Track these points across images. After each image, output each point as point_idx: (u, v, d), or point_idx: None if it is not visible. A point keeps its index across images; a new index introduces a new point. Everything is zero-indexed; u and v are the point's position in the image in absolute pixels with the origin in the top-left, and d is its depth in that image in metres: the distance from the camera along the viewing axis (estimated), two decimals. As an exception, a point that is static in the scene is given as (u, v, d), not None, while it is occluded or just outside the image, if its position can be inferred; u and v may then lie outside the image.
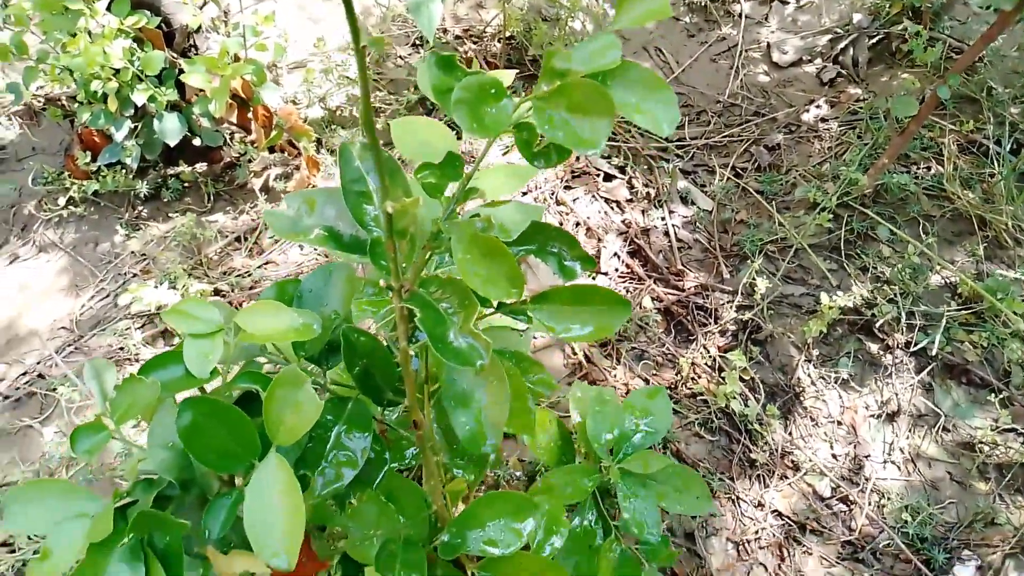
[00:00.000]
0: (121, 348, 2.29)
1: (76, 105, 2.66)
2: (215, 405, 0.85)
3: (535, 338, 2.20)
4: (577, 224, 2.57)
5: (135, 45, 2.22)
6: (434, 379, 1.16)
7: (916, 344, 2.20)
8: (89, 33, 2.21)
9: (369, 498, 1.16)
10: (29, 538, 1.95)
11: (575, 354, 2.24)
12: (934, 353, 2.17)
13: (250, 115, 2.43)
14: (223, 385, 0.95)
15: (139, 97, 2.23)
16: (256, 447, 0.87)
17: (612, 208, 2.63)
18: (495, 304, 0.95)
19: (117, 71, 2.20)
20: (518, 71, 2.96)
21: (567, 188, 2.67)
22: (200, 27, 2.36)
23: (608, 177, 2.72)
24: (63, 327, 2.39)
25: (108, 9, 2.21)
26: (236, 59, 2.30)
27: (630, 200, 2.65)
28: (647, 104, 0.92)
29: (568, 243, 0.93)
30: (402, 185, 0.92)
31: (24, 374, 2.30)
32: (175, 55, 2.32)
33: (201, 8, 2.31)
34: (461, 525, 1.17)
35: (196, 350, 0.93)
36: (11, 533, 1.96)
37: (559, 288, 0.91)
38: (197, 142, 2.52)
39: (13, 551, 1.95)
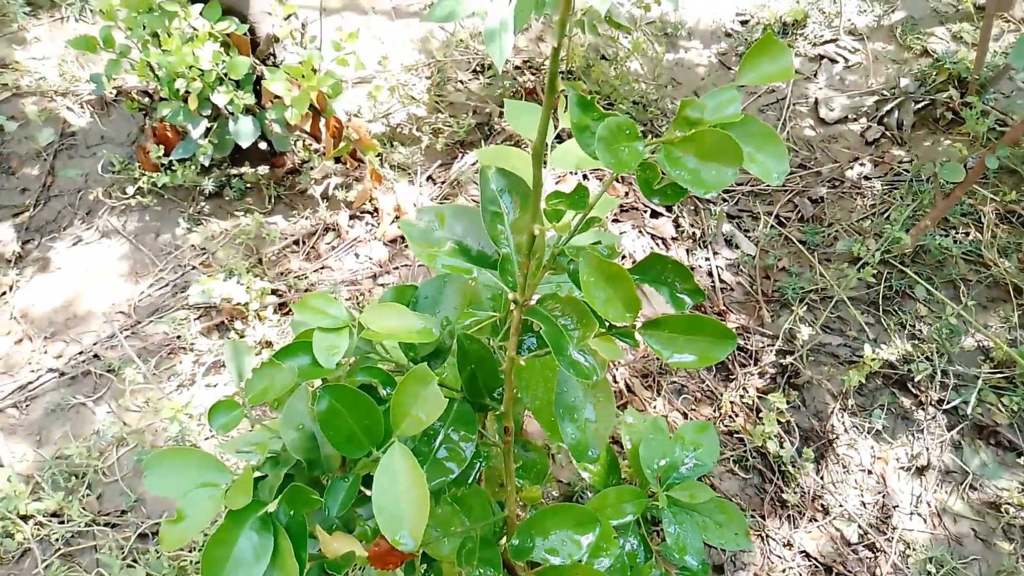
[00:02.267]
0: (178, 336, 2.36)
1: (148, 99, 2.77)
2: (351, 393, 0.92)
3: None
4: (623, 257, 2.65)
5: (222, 49, 2.31)
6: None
7: (948, 402, 2.26)
8: (171, 33, 2.31)
9: (444, 501, 1.24)
10: (82, 510, 2.01)
11: (616, 383, 2.30)
12: (966, 413, 2.24)
13: (322, 125, 2.53)
14: (346, 376, 1.02)
15: (219, 98, 2.33)
16: (379, 435, 0.94)
17: (658, 244, 2.71)
18: (606, 326, 1.03)
19: (203, 72, 2.29)
20: (574, 105, 3.06)
21: (615, 221, 2.76)
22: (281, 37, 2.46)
23: (655, 214, 2.80)
24: (121, 311, 2.47)
25: (200, 13, 2.31)
26: (313, 71, 2.40)
27: (675, 238, 2.73)
28: (761, 155, 1.01)
29: (682, 276, 1.00)
30: (533, 210, 1.00)
31: (80, 353, 2.37)
32: (257, 61, 2.41)
33: (286, 19, 2.41)
34: (529, 531, 1.23)
35: (324, 343, 1.00)
36: (62, 506, 2.02)
37: (673, 316, 0.99)
38: (263, 146, 2.62)
39: (63, 522, 2.02)
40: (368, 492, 0.91)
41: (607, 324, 1.02)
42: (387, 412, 0.94)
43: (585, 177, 2.81)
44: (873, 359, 2.14)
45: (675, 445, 1.68)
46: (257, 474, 0.97)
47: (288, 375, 0.96)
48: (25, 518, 2.00)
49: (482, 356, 1.07)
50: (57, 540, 1.98)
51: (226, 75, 2.33)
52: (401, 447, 0.91)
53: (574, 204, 1.02)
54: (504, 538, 1.33)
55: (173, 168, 2.59)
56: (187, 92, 2.34)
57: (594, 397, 1.00)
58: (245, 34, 2.39)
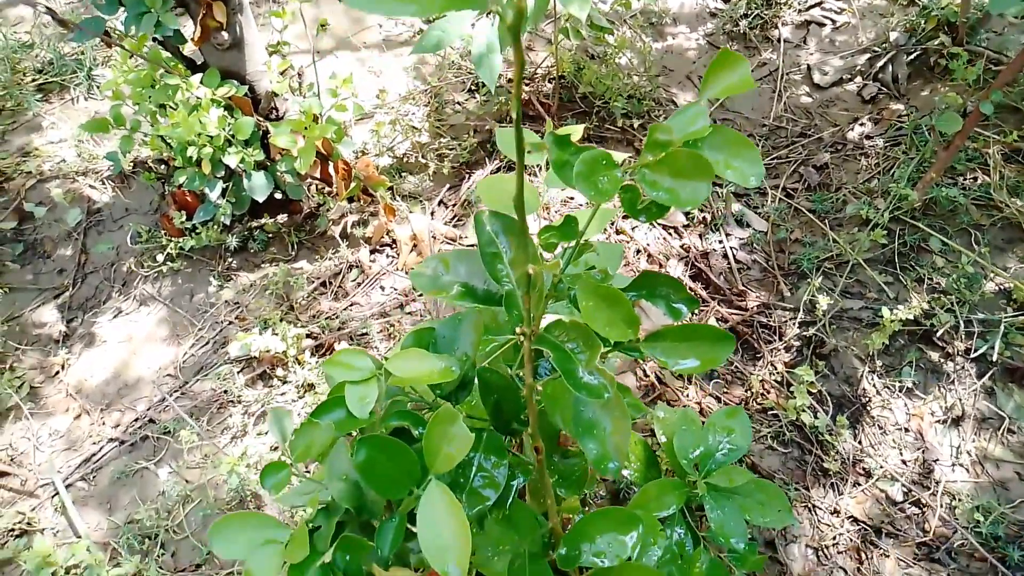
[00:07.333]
0: (225, 391, 2.47)
1: (164, 167, 2.89)
2: (384, 441, 1.00)
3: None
4: (638, 251, 2.71)
5: (226, 112, 2.42)
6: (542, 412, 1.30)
7: (976, 350, 2.29)
8: (179, 104, 2.41)
9: (494, 519, 1.31)
10: (159, 570, 2.13)
11: (647, 376, 2.37)
12: (994, 358, 2.27)
13: (331, 169, 2.62)
14: (378, 423, 1.11)
15: (231, 160, 2.43)
16: (416, 475, 1.02)
17: (670, 234, 2.77)
18: (613, 343, 1.10)
19: (212, 137, 2.40)
20: (570, 109, 3.12)
21: (625, 217, 2.81)
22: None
23: (664, 205, 2.85)
24: (168, 374, 2.59)
25: (200, 81, 2.42)
26: (315, 119, 2.49)
27: (687, 225, 2.79)
28: (735, 161, 1.07)
29: (675, 288, 1.07)
30: (528, 246, 1.07)
31: (136, 420, 2.49)
32: (260, 118, 2.51)
33: (282, 74, 2.50)
34: (575, 539, 1.30)
35: (356, 395, 1.09)
36: (140, 568, 2.14)
37: (671, 327, 1.05)
38: (279, 195, 2.72)
39: (144, 583, 2.13)
40: (415, 528, 0.99)
41: (612, 342, 1.09)
42: (421, 452, 1.02)
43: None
44: (892, 320, 2.18)
45: (708, 433, 1.74)
46: (312, 525, 1.06)
47: (326, 432, 1.04)
48: (108, 583, 2.12)
49: (503, 385, 1.14)
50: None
51: (233, 136, 2.44)
52: (438, 484, 0.99)
53: (564, 235, 1.09)
54: (553, 549, 1.40)
55: (197, 231, 2.71)
56: (199, 158, 2.45)
57: (609, 412, 1.07)
58: (246, 94, 2.49)
